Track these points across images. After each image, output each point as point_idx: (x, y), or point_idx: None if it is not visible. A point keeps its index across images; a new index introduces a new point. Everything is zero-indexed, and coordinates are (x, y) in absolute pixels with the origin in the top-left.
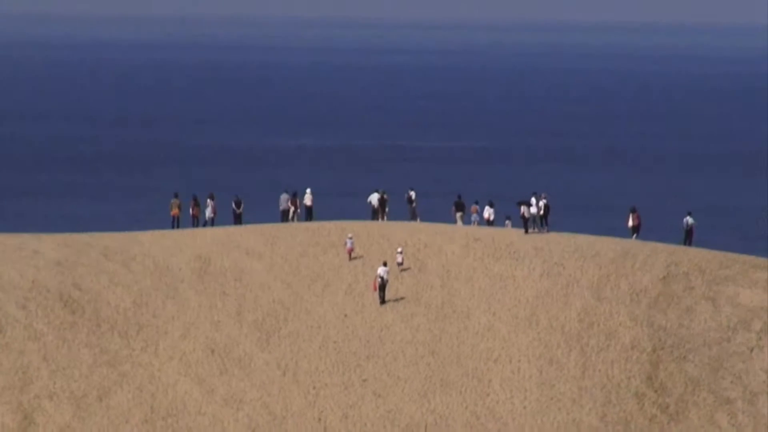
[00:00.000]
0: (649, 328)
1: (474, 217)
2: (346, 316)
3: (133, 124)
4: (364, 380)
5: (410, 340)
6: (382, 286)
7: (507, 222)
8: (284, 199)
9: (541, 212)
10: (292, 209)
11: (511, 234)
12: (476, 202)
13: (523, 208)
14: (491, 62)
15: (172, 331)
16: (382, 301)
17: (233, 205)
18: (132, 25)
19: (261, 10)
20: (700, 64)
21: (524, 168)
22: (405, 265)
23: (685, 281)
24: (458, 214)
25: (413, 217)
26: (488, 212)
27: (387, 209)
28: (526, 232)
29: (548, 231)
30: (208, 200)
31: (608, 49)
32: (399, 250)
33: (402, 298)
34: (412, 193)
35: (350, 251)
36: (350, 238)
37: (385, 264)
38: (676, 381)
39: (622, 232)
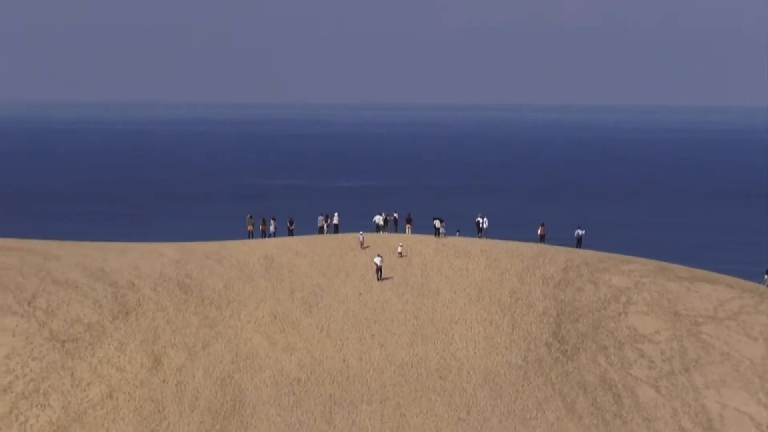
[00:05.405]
0: (554, 301)
1: (442, 230)
2: (360, 294)
3: (243, 174)
4: (372, 335)
5: (401, 309)
6: (378, 269)
7: (457, 233)
8: (320, 219)
9: (484, 226)
10: (325, 225)
11: (464, 241)
12: (441, 219)
13: (436, 222)
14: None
15: (249, 304)
16: (379, 278)
17: (288, 223)
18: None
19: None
20: (595, 132)
21: (483, 198)
22: (404, 254)
23: (577, 271)
24: (408, 226)
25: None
26: (440, 224)
27: (388, 226)
28: (437, 236)
29: (482, 238)
30: (272, 220)
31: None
32: (400, 243)
33: (396, 282)
34: (395, 214)
35: (362, 243)
36: (362, 234)
37: (379, 255)
38: (571, 335)
39: (536, 240)
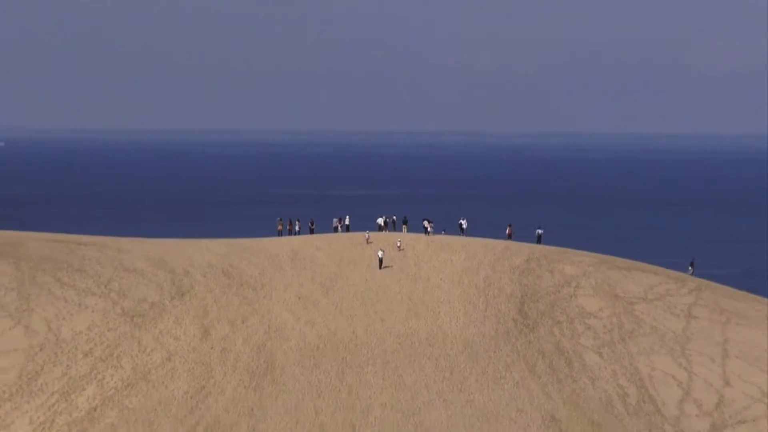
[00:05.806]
0: (519, 285)
1: (430, 229)
2: (366, 280)
3: (279, 184)
4: (376, 312)
5: (398, 291)
6: (380, 261)
7: (442, 231)
8: (335, 221)
9: (464, 226)
10: (339, 226)
11: (449, 239)
12: (429, 221)
13: (425, 223)
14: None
15: (278, 287)
16: (381, 268)
17: (310, 224)
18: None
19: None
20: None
21: (464, 204)
22: (402, 248)
23: (537, 262)
24: (404, 226)
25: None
26: (428, 225)
27: (388, 226)
28: (426, 234)
29: (464, 236)
30: (296, 221)
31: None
32: (399, 240)
33: (394, 271)
34: (394, 217)
35: (368, 240)
36: (368, 232)
37: (381, 249)
38: (532, 312)
39: (505, 237)
